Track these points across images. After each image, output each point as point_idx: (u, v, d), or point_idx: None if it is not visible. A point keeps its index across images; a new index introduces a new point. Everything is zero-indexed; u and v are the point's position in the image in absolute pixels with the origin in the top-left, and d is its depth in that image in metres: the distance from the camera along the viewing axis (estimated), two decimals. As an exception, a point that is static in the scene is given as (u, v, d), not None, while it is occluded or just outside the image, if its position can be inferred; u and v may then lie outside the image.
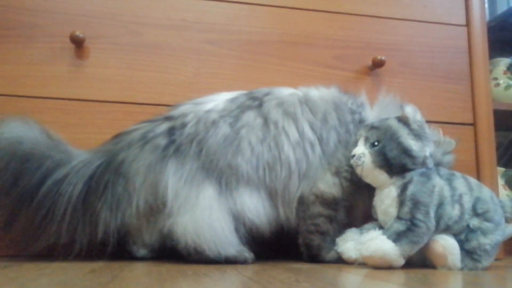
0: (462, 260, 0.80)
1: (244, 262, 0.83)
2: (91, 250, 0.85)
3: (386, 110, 0.94)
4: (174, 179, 0.82)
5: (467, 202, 0.82)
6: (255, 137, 0.86)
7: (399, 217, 0.80)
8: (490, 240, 0.80)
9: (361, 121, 0.93)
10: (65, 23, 1.05)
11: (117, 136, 0.91)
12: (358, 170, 0.86)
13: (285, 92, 0.93)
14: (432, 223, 0.79)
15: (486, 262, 0.80)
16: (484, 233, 0.80)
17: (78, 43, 1.03)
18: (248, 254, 0.84)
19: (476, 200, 0.82)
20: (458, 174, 0.86)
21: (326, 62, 1.15)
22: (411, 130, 0.84)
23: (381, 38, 1.19)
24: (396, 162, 0.83)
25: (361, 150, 0.86)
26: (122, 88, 1.05)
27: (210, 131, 0.86)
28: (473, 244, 0.80)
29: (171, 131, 0.87)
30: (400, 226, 0.79)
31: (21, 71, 1.02)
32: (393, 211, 0.82)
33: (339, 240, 0.89)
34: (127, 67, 1.06)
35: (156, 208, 0.85)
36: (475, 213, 0.82)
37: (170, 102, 1.06)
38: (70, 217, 0.81)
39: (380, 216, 0.86)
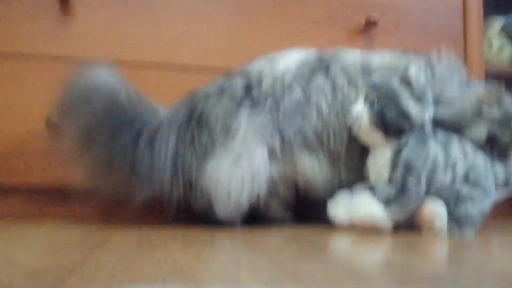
0: (449, 225, 0.81)
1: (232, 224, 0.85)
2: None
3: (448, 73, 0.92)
4: (245, 125, 0.85)
5: (460, 168, 0.82)
6: (324, 101, 0.89)
7: (390, 181, 0.81)
8: (477, 208, 0.81)
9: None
10: (48, -22, 1.01)
11: (193, 91, 0.92)
12: (355, 129, 0.86)
13: (349, 58, 0.94)
14: (422, 189, 0.80)
15: (471, 229, 0.82)
16: (473, 201, 0.81)
17: (63, -1, 1.00)
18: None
19: (470, 167, 0.83)
20: (455, 137, 0.86)
21: (319, 20, 1.13)
22: (412, 92, 0.83)
23: (375, -4, 1.16)
24: (393, 124, 0.82)
25: (360, 109, 0.85)
26: (110, 45, 1.02)
27: (286, 94, 0.88)
28: (461, 211, 0.81)
29: (247, 87, 0.89)
30: (390, 191, 0.79)
31: (2, 27, 0.98)
32: (385, 172, 0.82)
33: (330, 204, 0.89)
34: (115, 24, 1.03)
35: None
36: (467, 180, 0.82)
37: (161, 60, 1.04)
38: (170, 169, 0.83)
39: (372, 176, 0.86)
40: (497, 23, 1.38)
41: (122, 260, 0.47)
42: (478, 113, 0.88)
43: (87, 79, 0.82)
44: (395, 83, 0.84)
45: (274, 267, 0.45)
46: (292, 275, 0.41)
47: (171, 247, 0.58)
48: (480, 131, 0.87)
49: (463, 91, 0.90)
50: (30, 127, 0.97)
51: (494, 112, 0.87)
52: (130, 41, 1.03)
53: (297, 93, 0.89)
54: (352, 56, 0.94)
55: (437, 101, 0.90)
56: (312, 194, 0.90)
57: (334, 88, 0.90)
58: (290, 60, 0.93)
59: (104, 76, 0.83)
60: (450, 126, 0.88)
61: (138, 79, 1.02)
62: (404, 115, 0.82)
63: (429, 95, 0.85)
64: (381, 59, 0.94)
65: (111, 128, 0.80)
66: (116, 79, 0.84)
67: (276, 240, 0.65)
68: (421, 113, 0.83)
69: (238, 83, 0.89)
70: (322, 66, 0.92)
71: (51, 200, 1.01)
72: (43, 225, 0.84)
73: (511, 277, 0.42)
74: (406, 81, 0.83)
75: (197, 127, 0.86)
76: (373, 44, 1.15)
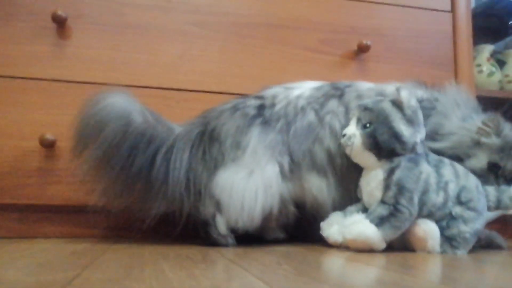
0: (441, 245, 0.81)
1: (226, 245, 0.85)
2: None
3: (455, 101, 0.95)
4: (255, 141, 0.88)
5: (452, 190, 0.83)
6: (338, 123, 0.91)
7: (383, 201, 0.81)
8: (470, 228, 0.82)
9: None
10: (47, 1, 1.03)
11: (208, 110, 0.96)
12: (348, 150, 0.87)
13: (364, 86, 0.97)
14: (415, 209, 0.80)
15: (464, 249, 0.82)
16: (465, 221, 0.82)
17: (60, 22, 1.01)
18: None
19: (461, 188, 0.84)
20: (446, 161, 0.87)
21: (312, 46, 1.15)
22: (404, 115, 0.84)
23: (367, 22, 1.19)
24: (385, 146, 0.83)
25: (352, 131, 0.86)
26: (105, 69, 1.04)
27: (299, 116, 0.92)
28: (453, 231, 0.82)
29: (261, 107, 0.93)
30: (383, 211, 0.80)
31: (1, 50, 1.00)
32: (378, 194, 0.83)
33: (323, 224, 0.89)
34: (111, 48, 1.05)
35: None
36: (459, 201, 0.83)
37: (156, 84, 1.05)
38: (183, 182, 0.86)
39: (365, 197, 0.87)
40: (486, 50, 1.41)
41: (112, 279, 0.47)
42: (477, 144, 0.90)
43: (102, 103, 0.84)
44: (387, 106, 0.85)
45: (266, 286, 0.44)
46: (283, 292, 0.41)
47: (163, 265, 0.57)
48: (480, 160, 0.89)
49: (464, 123, 0.92)
50: (25, 146, 0.98)
51: (494, 141, 0.89)
52: (125, 65, 1.05)
53: (310, 115, 0.92)
54: (367, 84, 0.97)
55: (434, 135, 0.92)
56: (321, 214, 0.91)
57: (347, 111, 0.92)
58: (305, 86, 0.97)
59: (119, 99, 0.85)
60: (447, 156, 0.90)
61: (133, 100, 1.02)
62: (397, 137, 0.83)
63: (421, 118, 0.86)
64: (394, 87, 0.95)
65: (129, 151, 0.83)
66: (131, 102, 0.87)
67: (270, 258, 0.65)
68: (413, 135, 0.84)
69: (252, 103, 0.93)
70: (337, 93, 0.95)
71: (44, 219, 1.00)
72: (35, 243, 0.83)
73: (502, 295, 0.42)
74: (398, 104, 0.84)
75: (209, 141, 0.89)
76: (365, 69, 1.17)
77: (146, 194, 0.85)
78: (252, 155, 0.87)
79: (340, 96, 0.95)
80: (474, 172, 0.89)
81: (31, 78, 1.00)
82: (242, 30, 1.11)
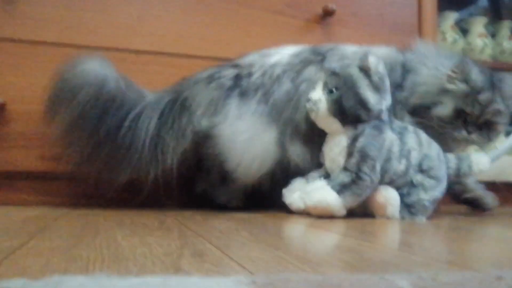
0: (401, 212, 0.82)
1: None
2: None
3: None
4: (235, 112, 0.88)
5: (415, 158, 0.84)
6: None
7: (345, 168, 0.81)
8: (429, 196, 0.83)
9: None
10: (-9, -47, 0.95)
11: (183, 78, 0.94)
12: (313, 116, 0.86)
13: (349, 49, 0.95)
14: (377, 177, 0.80)
15: (422, 216, 0.83)
16: (425, 189, 0.83)
17: (7, -24, 0.94)
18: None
19: (423, 157, 0.84)
20: (410, 128, 0.87)
21: (278, 9, 1.11)
22: (371, 81, 0.83)
23: (333, -14, 1.16)
24: (351, 113, 0.82)
25: (318, 96, 0.85)
26: (58, 28, 0.98)
27: (274, 86, 0.91)
28: (413, 198, 0.83)
29: (237, 77, 0.91)
30: (345, 178, 0.80)
31: None
32: (341, 160, 0.83)
33: (286, 191, 0.89)
34: (65, 6, 0.98)
35: None
36: (420, 169, 0.84)
37: (112, 45, 1.00)
38: (148, 149, 0.85)
39: (328, 162, 0.86)
40: (451, 17, 1.42)
41: (61, 247, 0.45)
42: (444, 91, 0.89)
43: (77, 68, 0.85)
44: (354, 71, 0.84)
45: (220, 253, 0.43)
46: (237, 261, 0.40)
47: (116, 233, 0.55)
48: (446, 107, 0.89)
49: (436, 72, 0.91)
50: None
51: (459, 87, 0.89)
52: (79, 24, 0.99)
53: (286, 84, 0.91)
54: (351, 48, 0.96)
55: (400, 88, 0.92)
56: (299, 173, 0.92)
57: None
58: (283, 52, 0.95)
59: (93, 65, 0.86)
60: (419, 108, 0.90)
61: (89, 62, 0.98)
62: (362, 104, 0.82)
63: (387, 85, 0.85)
64: (378, 52, 0.94)
65: (99, 115, 0.83)
66: (105, 68, 0.86)
67: (228, 225, 0.64)
68: (379, 102, 0.83)
69: (228, 73, 0.92)
70: (317, 58, 0.93)
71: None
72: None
73: (459, 260, 0.43)
74: (365, 70, 0.83)
75: (180, 110, 0.89)
76: (330, 33, 1.15)
77: (112, 160, 0.84)
78: (236, 121, 0.87)
79: (321, 61, 0.93)
80: (442, 119, 0.89)
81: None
82: (204, -10, 1.07)
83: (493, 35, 1.48)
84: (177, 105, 0.89)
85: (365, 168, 0.79)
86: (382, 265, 0.39)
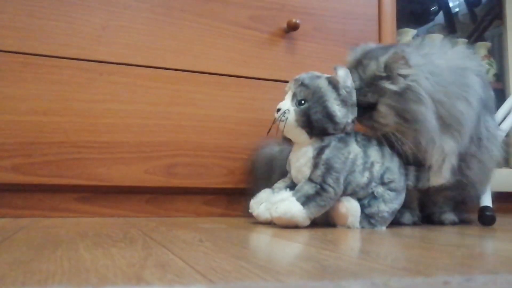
0: (361, 222, 0.85)
1: None
2: None
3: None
4: None
5: (377, 171, 0.86)
6: None
7: (310, 179, 0.83)
8: (389, 208, 0.86)
9: None
10: (-50, -41, 0.93)
11: None
12: (281, 126, 0.87)
13: None
14: (340, 188, 0.82)
15: (381, 226, 0.86)
16: (385, 201, 0.86)
17: (-34, -17, 0.92)
18: None
19: (386, 170, 0.87)
20: (374, 141, 0.89)
21: (241, 22, 1.13)
22: (339, 94, 0.84)
23: (296, 0, 1.19)
24: (318, 125, 0.84)
25: (287, 106, 0.86)
26: (20, 37, 0.96)
27: None
28: (373, 209, 0.85)
29: None
30: (309, 189, 0.81)
31: None
32: (307, 170, 0.84)
33: (253, 203, 0.90)
34: (27, 14, 0.97)
35: None
36: (382, 181, 0.86)
37: (76, 55, 0.99)
38: None
39: (293, 172, 0.88)
40: (409, 34, 1.47)
41: (19, 260, 0.44)
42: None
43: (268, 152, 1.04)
44: (323, 84, 0.85)
45: (183, 264, 0.44)
46: (199, 272, 0.40)
47: (79, 244, 0.55)
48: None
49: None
50: None
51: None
52: (42, 33, 0.98)
53: None
54: None
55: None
56: None
57: None
58: None
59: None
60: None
61: (50, 74, 0.96)
62: (330, 117, 0.84)
63: (354, 99, 0.86)
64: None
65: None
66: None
67: (193, 235, 0.64)
68: (346, 116, 0.85)
69: None
70: None
71: None
72: None
73: (412, 266, 0.44)
74: (334, 83, 0.85)
75: None
76: (293, 47, 1.17)
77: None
78: None
79: None
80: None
81: None
82: (170, 2, 1.07)
83: (449, 51, 1.54)
84: None
85: (330, 180, 0.81)
86: (339, 273, 0.40)
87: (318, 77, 0.87)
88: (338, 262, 0.46)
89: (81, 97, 0.98)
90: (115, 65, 1.02)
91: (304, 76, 0.88)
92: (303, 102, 0.85)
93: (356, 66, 0.89)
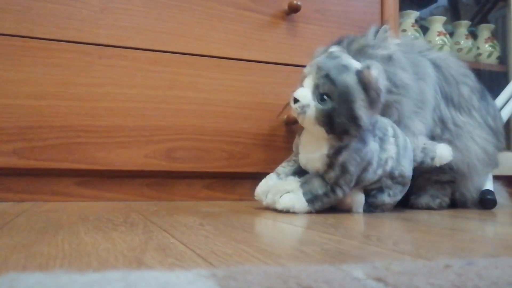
0: (364, 210, 0.85)
1: None
2: None
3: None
4: None
5: (389, 166, 0.84)
6: None
7: (323, 178, 0.81)
8: (393, 201, 0.87)
9: None
10: None
11: None
12: (299, 119, 0.80)
13: None
14: (350, 187, 0.81)
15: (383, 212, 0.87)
16: (390, 194, 0.86)
17: (-38, -36, 0.91)
18: None
19: (397, 165, 0.84)
20: (389, 131, 0.84)
21: (242, 4, 1.12)
22: (368, 95, 0.76)
23: (298, -18, 1.17)
24: (339, 126, 0.77)
25: (307, 100, 0.77)
26: (18, 19, 0.95)
27: None
28: (378, 202, 0.85)
29: None
30: (319, 189, 0.80)
31: None
32: (318, 165, 0.81)
33: (260, 192, 0.86)
34: (24, -3, 0.96)
35: None
36: (391, 176, 0.85)
37: (75, 38, 0.98)
38: None
39: (303, 158, 0.84)
40: (412, 16, 1.45)
41: (20, 244, 0.44)
42: None
43: None
44: (351, 83, 0.76)
45: (184, 247, 0.44)
46: (200, 255, 0.40)
47: (80, 228, 0.55)
48: None
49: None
50: None
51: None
52: (40, 16, 0.96)
53: None
54: None
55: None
56: None
57: None
58: None
59: None
60: None
61: (48, 58, 0.95)
62: (354, 120, 0.76)
63: (383, 100, 0.79)
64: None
65: None
66: None
67: (193, 219, 0.64)
68: (370, 118, 0.78)
69: None
70: None
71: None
72: None
73: (413, 250, 0.44)
74: (364, 81, 0.76)
75: None
76: (295, 29, 1.16)
77: None
78: None
79: None
80: None
81: None
82: (169, -16, 1.06)
83: (452, 34, 1.53)
84: None
85: (342, 182, 0.80)
86: (340, 256, 0.40)
87: (346, 69, 0.77)
88: (339, 246, 0.46)
89: (80, 80, 0.97)
90: (114, 48, 1.01)
91: (329, 64, 0.77)
92: (325, 97, 0.76)
93: (340, 43, 0.94)
